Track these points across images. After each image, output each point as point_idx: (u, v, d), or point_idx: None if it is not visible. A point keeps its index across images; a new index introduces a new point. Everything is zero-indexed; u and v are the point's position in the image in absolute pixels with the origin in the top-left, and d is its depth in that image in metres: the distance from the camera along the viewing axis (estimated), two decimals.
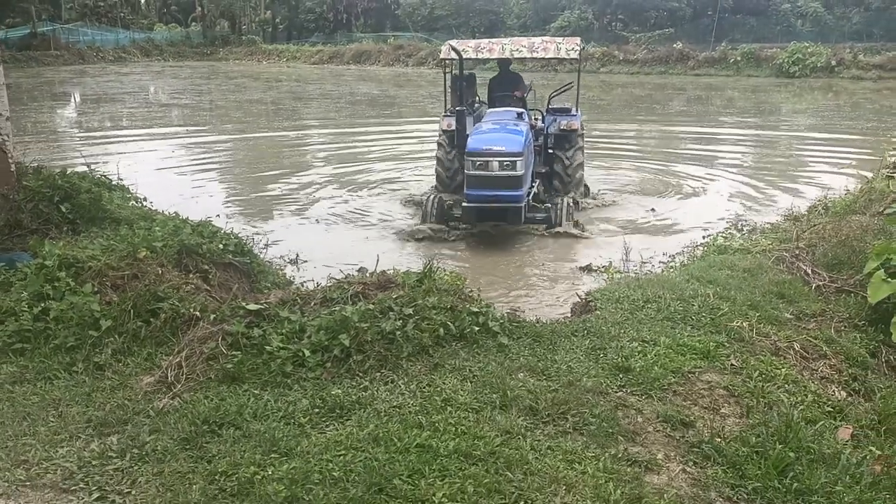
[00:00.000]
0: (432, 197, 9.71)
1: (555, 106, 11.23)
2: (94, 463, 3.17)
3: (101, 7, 65.04)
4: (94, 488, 3.02)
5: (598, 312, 4.83)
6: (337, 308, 4.28)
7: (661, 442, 3.38)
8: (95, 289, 4.59)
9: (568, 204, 9.45)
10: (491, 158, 8.47)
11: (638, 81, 40.28)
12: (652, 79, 41.11)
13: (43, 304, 4.48)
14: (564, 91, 11.12)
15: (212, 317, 4.35)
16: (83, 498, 2.97)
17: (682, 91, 35.20)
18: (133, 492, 2.99)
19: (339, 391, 3.64)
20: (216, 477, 3.01)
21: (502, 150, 8.50)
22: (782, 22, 47.27)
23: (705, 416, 3.62)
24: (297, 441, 3.25)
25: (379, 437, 3.26)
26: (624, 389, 3.81)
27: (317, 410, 3.51)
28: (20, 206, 6.13)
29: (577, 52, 10.73)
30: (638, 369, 3.96)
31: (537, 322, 4.62)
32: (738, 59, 41.31)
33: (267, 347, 3.99)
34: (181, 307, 4.48)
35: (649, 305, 4.92)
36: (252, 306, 4.34)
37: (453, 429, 3.33)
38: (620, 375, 3.92)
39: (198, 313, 4.41)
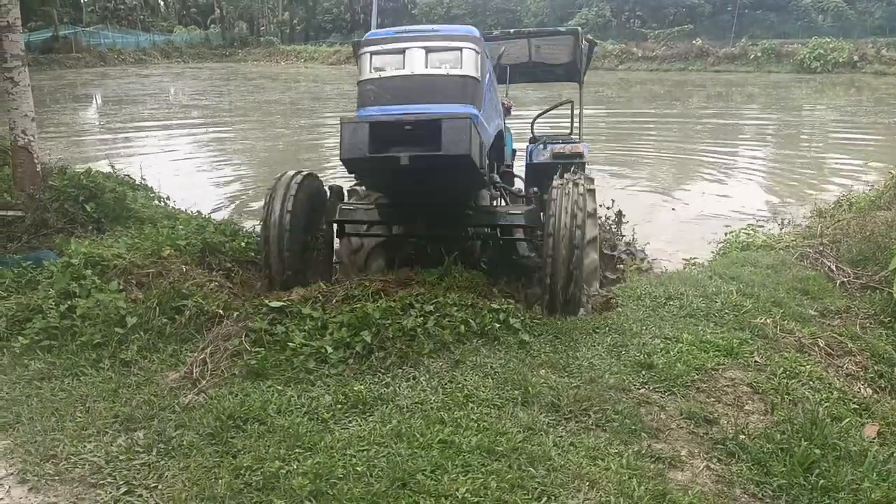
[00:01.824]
0: None
1: (544, 132, 8.08)
2: (121, 458, 3.21)
3: (121, 10, 65.76)
4: (122, 482, 3.06)
5: (619, 310, 4.81)
6: (358, 305, 4.30)
7: (685, 439, 3.37)
8: (121, 286, 4.65)
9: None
10: (411, 45, 4.43)
11: (657, 78, 40.07)
12: (671, 75, 40.86)
13: (70, 302, 4.55)
14: (556, 108, 8.02)
15: (235, 314, 4.40)
16: (111, 492, 3.01)
17: (701, 87, 34.96)
18: (160, 486, 3.02)
19: (362, 387, 3.66)
20: (241, 471, 3.04)
21: (438, 32, 4.57)
22: (803, 17, 46.83)
23: (729, 413, 3.59)
24: (320, 436, 3.27)
25: (401, 432, 3.28)
26: (646, 386, 3.79)
27: (340, 406, 3.53)
28: (46, 205, 6.23)
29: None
30: (660, 366, 3.94)
31: (558, 319, 4.61)
32: (759, 54, 40.95)
33: (290, 344, 4.02)
34: (205, 304, 4.52)
35: (671, 302, 4.90)
36: (274, 303, 4.37)
37: (475, 425, 3.34)
38: (643, 372, 3.91)
39: (221, 311, 4.46)
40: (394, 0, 68.45)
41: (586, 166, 7.20)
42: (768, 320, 4.60)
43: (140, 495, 2.98)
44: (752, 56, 41.11)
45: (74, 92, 35.91)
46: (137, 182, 8.31)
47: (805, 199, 10.64)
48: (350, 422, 3.43)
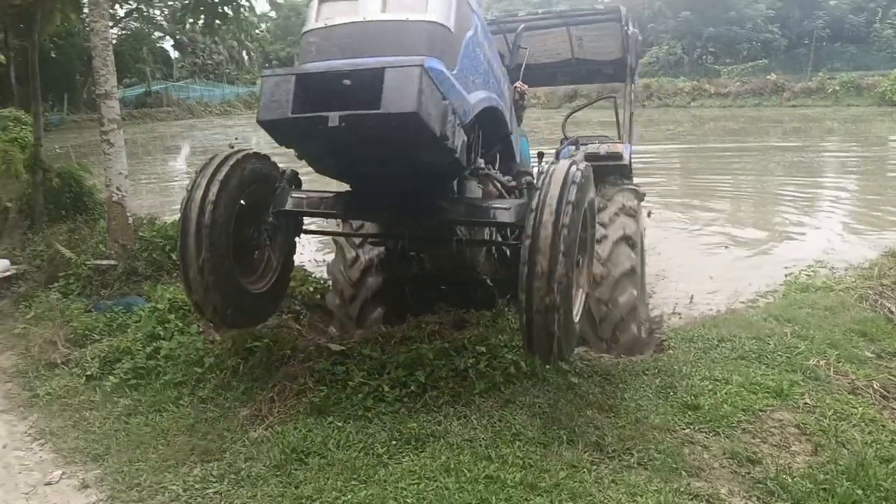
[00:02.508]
0: None
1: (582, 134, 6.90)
2: (196, 487, 3.54)
3: (209, 65, 69.24)
4: None
5: (670, 352, 4.91)
6: (414, 346, 4.55)
7: (726, 477, 3.46)
8: (200, 329, 5.07)
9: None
10: None
11: (731, 114, 39.43)
12: (745, 111, 40.15)
13: (155, 344, 5.00)
14: (588, 106, 7.48)
15: (301, 356, 4.72)
16: None
17: (777, 123, 34.24)
18: None
19: (415, 424, 3.89)
20: (303, 500, 3.32)
21: None
22: (885, 48, 45.33)
23: (774, 454, 3.66)
24: (375, 470, 3.52)
25: (450, 467, 3.49)
26: (691, 427, 3.89)
27: (394, 442, 3.77)
28: (136, 255, 6.78)
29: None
30: (707, 407, 4.03)
31: (608, 361, 4.74)
32: (837, 88, 39.84)
33: (350, 383, 4.30)
34: (275, 347, 4.87)
35: (723, 344, 4.96)
36: (335, 347, 4.67)
37: (521, 461, 3.52)
38: (689, 413, 4.01)
39: (289, 352, 4.79)
40: None
41: (631, 174, 6.19)
42: (822, 362, 4.62)
43: None
44: (830, 90, 40.02)
45: (165, 143, 37.95)
46: None
47: (883, 239, 10.36)
48: (403, 457, 3.66)
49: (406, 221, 4.37)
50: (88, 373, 5.02)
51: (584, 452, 3.62)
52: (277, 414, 4.18)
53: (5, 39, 12.63)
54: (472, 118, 3.79)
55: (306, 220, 4.62)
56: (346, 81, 3.30)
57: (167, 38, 57.61)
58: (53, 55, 36.88)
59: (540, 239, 3.33)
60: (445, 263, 4.70)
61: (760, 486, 3.38)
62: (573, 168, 3.57)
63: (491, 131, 4.39)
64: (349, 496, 3.30)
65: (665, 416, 3.97)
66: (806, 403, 4.14)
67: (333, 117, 3.22)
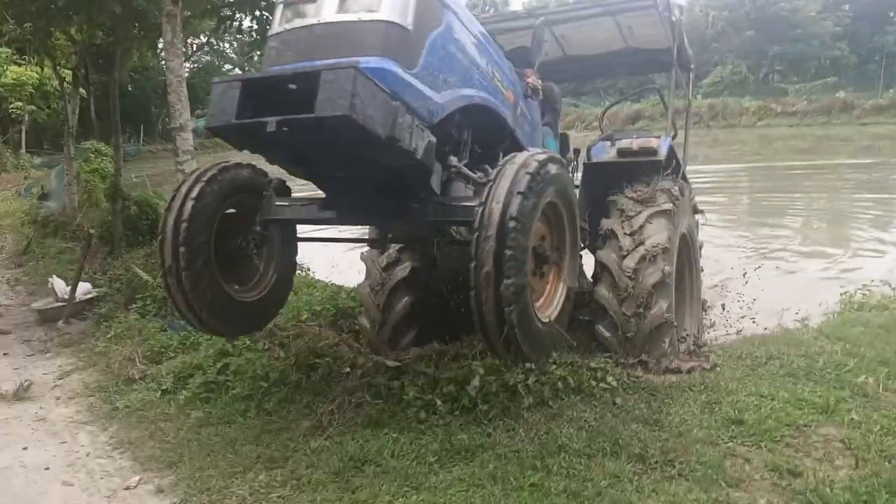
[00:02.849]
0: None
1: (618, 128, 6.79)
2: (261, 491, 3.81)
3: None
4: None
5: (717, 369, 4.98)
6: (466, 363, 4.77)
7: (766, 489, 3.54)
8: (266, 346, 5.40)
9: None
10: None
11: (799, 133, 38.59)
12: (813, 130, 39.22)
13: (224, 360, 5.37)
14: (628, 99, 7.51)
15: (359, 372, 4.98)
16: None
17: (848, 141, 33.33)
18: None
19: (465, 436, 4.10)
20: None
21: None
22: None
23: (816, 467, 3.71)
24: (426, 477, 3.73)
25: (497, 476, 3.67)
26: (734, 440, 3.98)
27: (445, 452, 3.98)
28: None
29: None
30: (751, 422, 4.11)
31: (654, 377, 4.85)
32: None
33: (405, 397, 4.55)
34: (335, 364, 5.16)
35: (772, 362, 5.02)
36: (391, 363, 4.92)
37: (565, 471, 3.69)
38: (732, 427, 4.09)
39: (348, 368, 5.06)
40: None
41: (678, 170, 5.73)
42: (870, 379, 4.63)
43: None
44: None
45: None
46: None
47: None
48: (453, 466, 3.86)
49: (385, 224, 4.34)
50: (164, 387, 5.41)
51: (627, 463, 3.76)
52: (337, 425, 4.44)
53: (86, 75, 13.51)
54: (449, 116, 3.74)
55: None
56: (291, 86, 3.27)
57: (236, 69, 59.81)
58: (130, 89, 38.78)
59: (485, 234, 3.21)
60: (457, 265, 4.56)
61: (800, 497, 3.45)
62: (529, 160, 3.46)
63: (486, 130, 4.27)
64: (402, 500, 3.52)
65: (708, 429, 4.07)
66: (852, 419, 4.17)
67: (271, 122, 3.23)
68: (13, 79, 21.57)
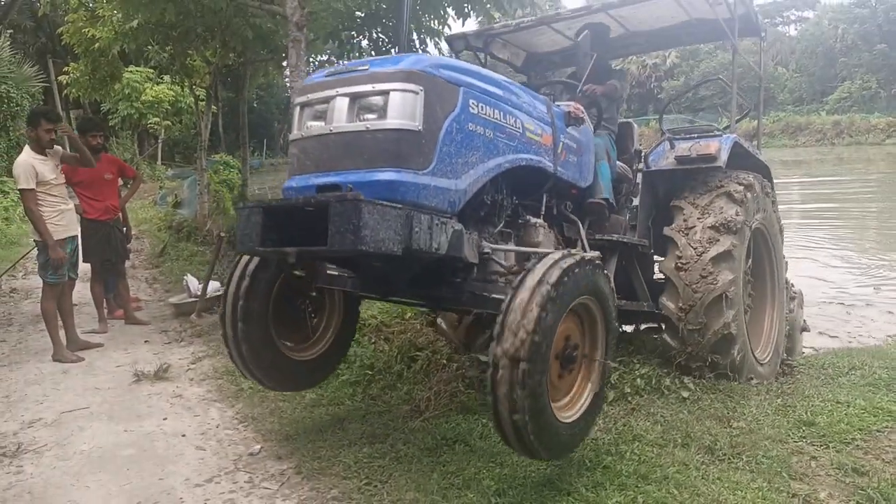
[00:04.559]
0: None
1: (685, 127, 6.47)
2: (364, 461, 4.33)
3: None
4: (364, 478, 4.15)
5: (798, 376, 5.14)
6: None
7: (829, 484, 3.75)
8: (372, 340, 5.97)
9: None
10: (335, 92, 3.61)
11: None
12: None
13: None
14: (691, 91, 6.93)
15: (454, 365, 5.46)
16: (356, 483, 4.12)
17: None
18: (389, 481, 4.08)
19: None
20: (448, 475, 4.01)
21: (365, 71, 3.59)
22: None
23: (882, 468, 3.87)
24: (509, 456, 4.14)
25: (574, 458, 4.04)
26: (804, 440, 4.18)
27: None
28: None
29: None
30: (823, 424, 4.30)
31: (732, 380, 5.07)
32: None
33: None
34: (433, 357, 5.66)
35: (854, 372, 5.13)
36: (484, 358, 5.36)
37: (636, 457, 4.01)
38: (804, 428, 4.30)
39: (445, 361, 5.55)
40: (640, 86, 68.09)
41: (754, 162, 5.54)
42: None
43: (376, 486, 4.05)
44: None
45: None
46: None
47: None
48: None
49: (426, 303, 4.55)
50: None
51: (697, 454, 4.04)
52: (432, 410, 4.93)
53: (216, 93, 14.64)
54: (478, 189, 3.74)
55: None
56: (311, 208, 3.29)
57: None
58: (255, 105, 41.14)
59: (501, 343, 3.12)
60: None
61: (861, 492, 3.63)
62: (554, 268, 3.27)
63: (524, 182, 4.24)
64: (486, 472, 3.96)
65: (779, 429, 4.29)
66: None
67: (292, 254, 3.34)
68: (152, 96, 23.46)
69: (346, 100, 3.53)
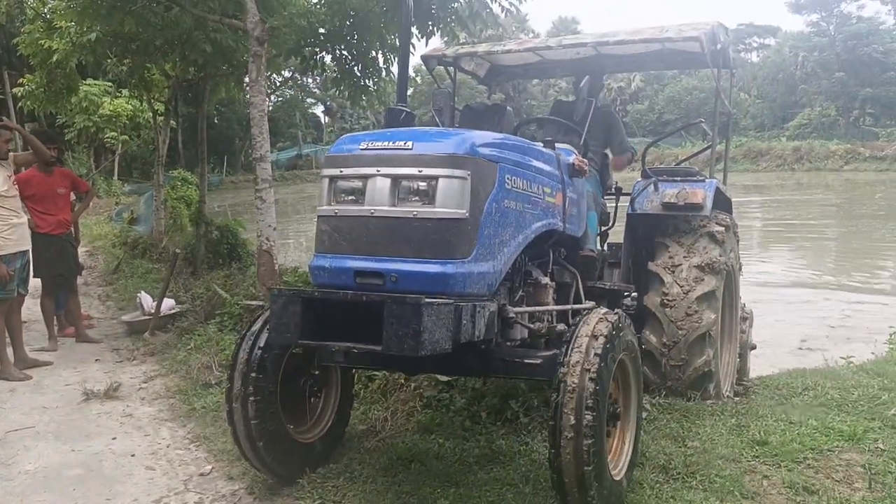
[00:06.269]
0: None
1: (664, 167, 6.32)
2: (318, 481, 4.24)
3: (356, 129, 73.59)
4: (317, 498, 4.07)
5: (752, 396, 5.20)
6: (513, 380, 5.14)
7: (780, 502, 3.77)
8: None
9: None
10: (375, 170, 3.37)
11: (888, 179, 37.51)
12: None
13: None
14: (671, 135, 6.97)
15: (412, 384, 5.41)
16: (308, 502, 4.05)
17: None
18: (343, 502, 4.01)
19: (505, 443, 4.47)
20: (402, 495, 3.96)
21: (409, 151, 3.35)
22: None
23: (833, 487, 3.92)
24: (465, 476, 4.11)
25: (530, 478, 4.02)
26: (757, 459, 4.21)
27: (485, 456, 4.35)
28: None
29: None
30: (775, 443, 4.34)
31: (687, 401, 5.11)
32: None
33: (452, 407, 4.96)
34: (390, 377, 5.59)
35: (807, 392, 5.21)
36: (443, 378, 5.33)
37: None
38: (756, 447, 4.33)
39: (403, 380, 5.49)
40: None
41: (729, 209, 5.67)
42: None
43: None
44: None
45: (312, 203, 40.66)
46: None
47: None
48: (491, 468, 4.23)
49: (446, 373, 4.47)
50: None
51: (651, 473, 4.04)
52: (389, 430, 4.87)
53: (175, 108, 14.44)
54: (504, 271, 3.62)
55: None
56: (359, 303, 3.13)
57: (318, 104, 61.84)
58: (216, 121, 40.72)
59: (565, 398, 3.16)
60: None
61: None
62: (602, 322, 3.40)
63: (538, 242, 4.12)
64: (440, 493, 3.91)
65: (733, 448, 4.32)
66: (878, 447, 4.35)
67: (338, 351, 3.28)
68: (110, 110, 23.10)
69: (388, 181, 3.29)
